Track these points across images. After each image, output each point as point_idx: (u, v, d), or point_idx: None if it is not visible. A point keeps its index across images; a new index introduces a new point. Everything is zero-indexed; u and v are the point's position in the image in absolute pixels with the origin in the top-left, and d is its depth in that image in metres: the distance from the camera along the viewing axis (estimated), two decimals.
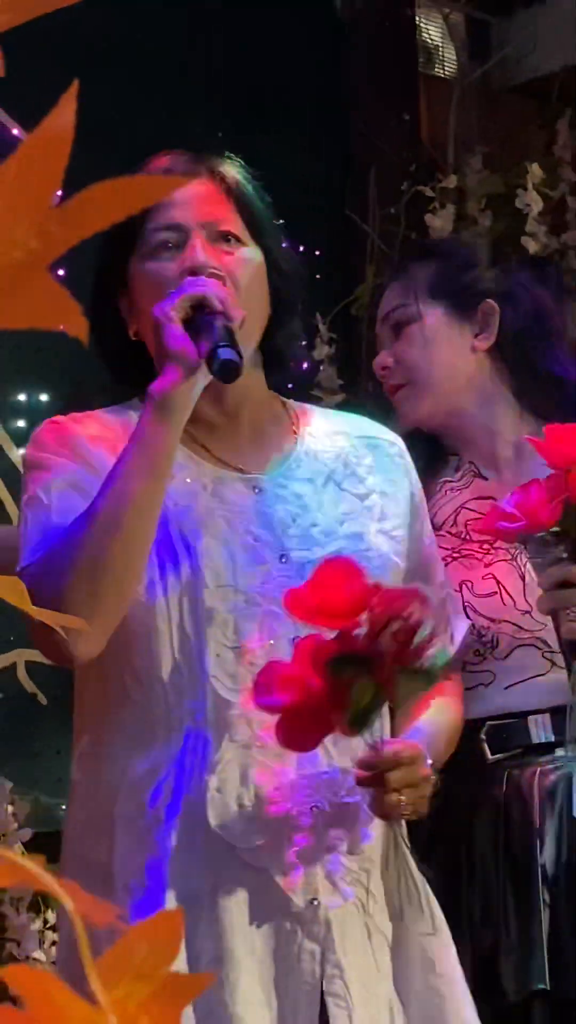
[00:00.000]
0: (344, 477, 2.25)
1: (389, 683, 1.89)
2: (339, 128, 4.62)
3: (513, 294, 2.58)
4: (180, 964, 1.90)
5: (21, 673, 3.80)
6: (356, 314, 4.49)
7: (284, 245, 2.27)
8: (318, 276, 4.49)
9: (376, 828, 2.09)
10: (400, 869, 2.07)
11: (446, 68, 4.90)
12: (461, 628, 2.39)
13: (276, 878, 2.01)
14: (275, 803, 2.03)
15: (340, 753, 2.07)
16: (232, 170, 2.24)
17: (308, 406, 2.42)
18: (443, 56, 4.91)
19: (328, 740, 2.02)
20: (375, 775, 1.97)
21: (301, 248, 4.43)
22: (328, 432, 2.31)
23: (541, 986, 2.28)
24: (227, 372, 1.95)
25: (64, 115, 0.62)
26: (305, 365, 4.36)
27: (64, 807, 3.56)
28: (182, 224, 2.13)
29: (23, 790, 3.49)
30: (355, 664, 1.86)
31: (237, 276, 2.13)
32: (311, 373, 4.35)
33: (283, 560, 2.10)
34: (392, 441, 2.37)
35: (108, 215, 0.59)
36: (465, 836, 2.46)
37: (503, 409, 2.58)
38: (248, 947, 2.00)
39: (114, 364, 2.28)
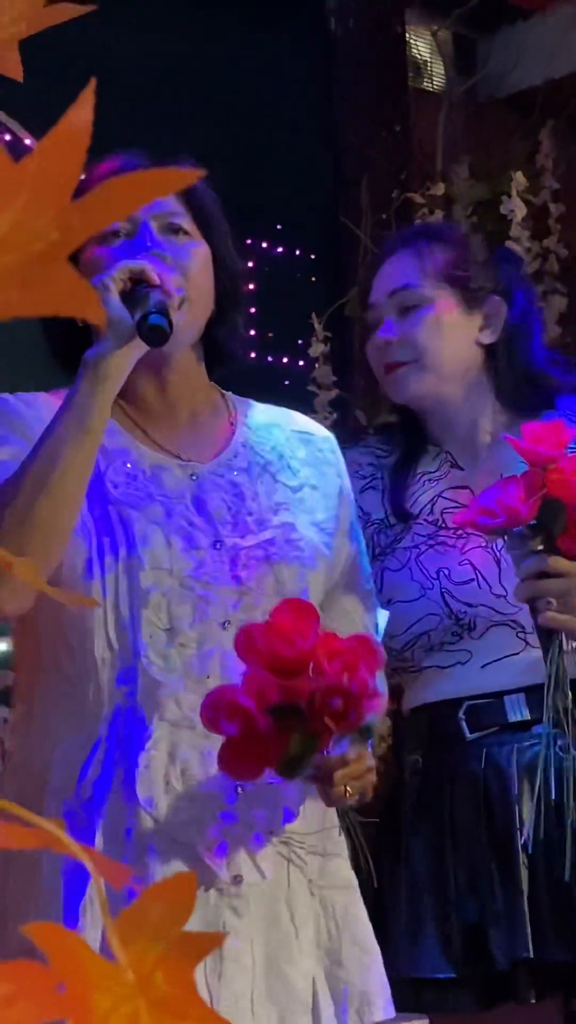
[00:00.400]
0: (279, 469, 2.23)
1: (324, 738, 1.86)
2: (333, 139, 4.62)
3: (508, 291, 2.54)
4: (94, 928, 1.92)
5: None
6: (349, 314, 4.49)
7: (230, 244, 2.24)
8: (313, 279, 4.49)
9: (299, 802, 2.09)
10: (329, 842, 2.14)
11: (434, 82, 4.90)
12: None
13: (202, 854, 1.99)
14: (201, 782, 2.01)
15: None
16: (182, 166, 2.21)
17: (247, 400, 2.37)
18: (431, 71, 4.91)
19: None
20: (324, 775, 1.96)
21: (297, 252, 4.46)
22: (265, 425, 2.29)
23: (525, 954, 2.28)
24: (154, 335, 1.92)
25: (82, 113, 0.61)
26: (301, 362, 4.37)
27: None
28: (134, 215, 2.09)
29: None
30: (294, 716, 1.83)
31: (184, 264, 2.11)
32: (306, 370, 4.36)
33: (217, 546, 2.08)
34: (325, 437, 2.36)
35: (122, 208, 0.59)
36: (448, 811, 2.43)
37: (485, 401, 2.53)
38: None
39: (59, 348, 2.23)
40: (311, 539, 2.18)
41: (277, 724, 1.83)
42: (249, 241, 4.38)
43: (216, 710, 1.86)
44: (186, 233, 2.16)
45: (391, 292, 2.49)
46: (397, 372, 2.47)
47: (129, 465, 2.10)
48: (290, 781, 1.94)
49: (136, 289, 1.96)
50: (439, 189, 4.58)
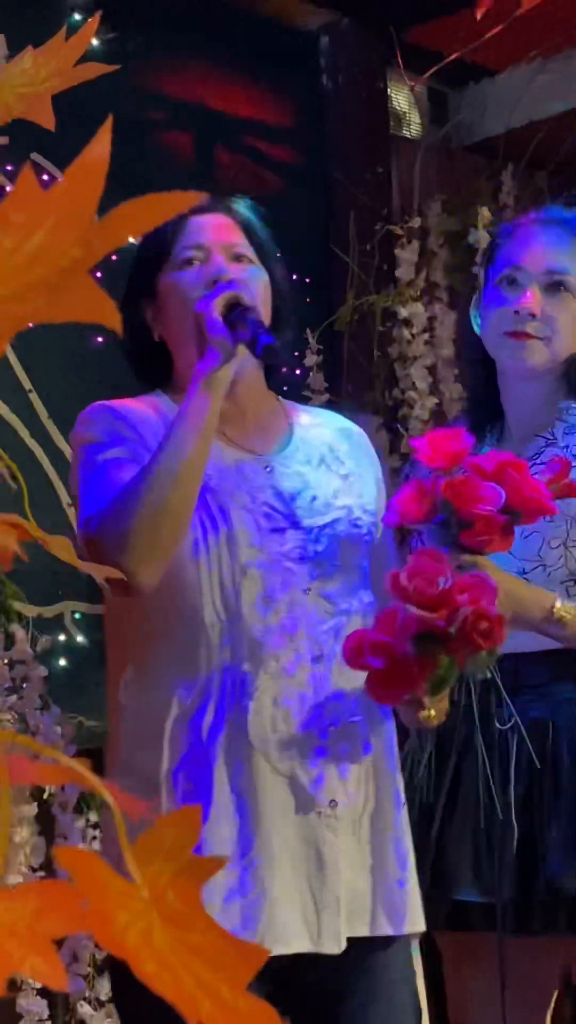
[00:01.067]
0: (331, 461, 2.26)
1: (462, 659, 1.95)
2: (325, 179, 4.62)
3: None
4: (228, 853, 2.00)
5: (68, 620, 3.84)
6: (338, 329, 4.49)
7: (282, 271, 2.29)
8: (308, 300, 4.48)
9: (373, 742, 2.14)
10: (383, 770, 2.17)
11: (412, 131, 4.90)
12: None
13: (304, 783, 2.06)
14: (301, 723, 2.07)
15: (346, 680, 2.10)
16: (243, 207, 2.27)
17: (294, 403, 2.41)
18: (409, 121, 4.90)
19: (335, 670, 2.09)
20: (415, 699, 2.01)
21: (294, 276, 4.45)
22: (312, 424, 2.32)
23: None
24: (270, 353, 2.01)
25: (100, 147, 0.61)
26: (298, 371, 4.38)
27: (94, 724, 3.65)
28: (205, 244, 2.16)
29: (69, 715, 3.51)
30: (437, 642, 1.91)
31: (250, 288, 2.14)
32: (302, 378, 4.36)
33: (296, 527, 2.13)
34: (360, 432, 2.38)
35: (136, 228, 0.59)
36: (498, 748, 2.35)
37: (560, 390, 2.41)
38: (283, 839, 2.04)
39: (139, 363, 2.30)
40: (364, 519, 2.22)
41: (420, 652, 1.92)
42: None
43: (359, 650, 1.95)
44: (249, 261, 2.19)
45: (548, 269, 2.34)
46: (528, 342, 2.32)
47: (217, 461, 2.12)
48: (433, 697, 2.00)
49: (231, 313, 2.01)
50: (416, 222, 4.58)
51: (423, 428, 4.35)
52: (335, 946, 2.03)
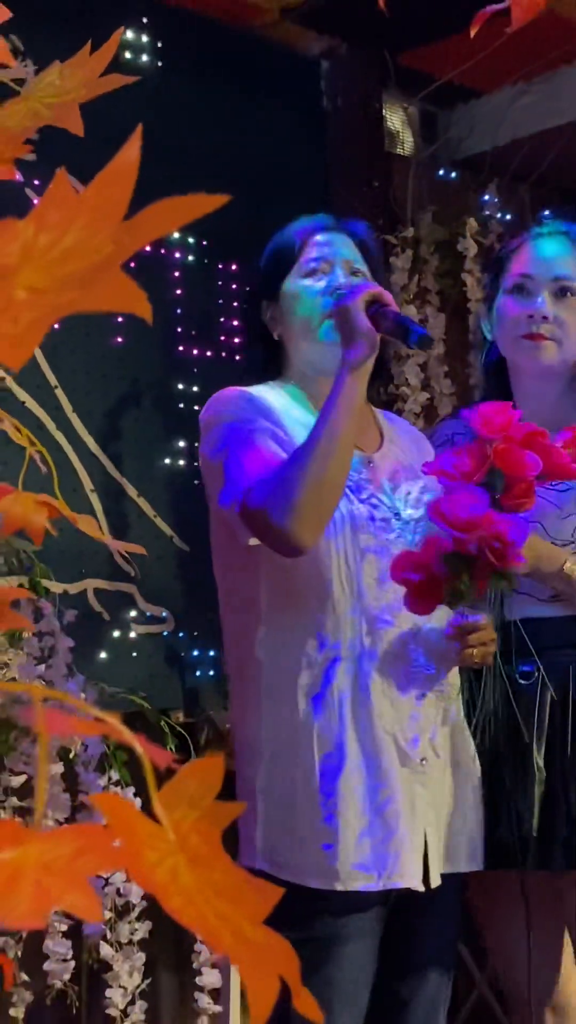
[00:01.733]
0: (412, 459, 2.33)
1: (483, 580, 2.02)
2: (326, 191, 4.61)
3: None
4: (351, 794, 2.11)
5: (90, 596, 3.85)
6: None
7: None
8: None
9: (456, 708, 2.26)
10: (462, 732, 2.29)
11: (405, 148, 4.89)
12: None
13: (402, 743, 2.14)
14: (402, 691, 2.16)
15: (437, 658, 2.18)
16: (361, 229, 2.36)
17: (377, 410, 2.45)
18: (403, 139, 4.89)
19: (424, 651, 2.19)
20: (461, 633, 2.09)
21: None
22: (394, 427, 2.41)
23: None
24: (425, 342, 2.09)
25: (130, 153, 0.61)
26: None
27: (114, 690, 3.64)
28: (329, 258, 2.25)
29: (92, 681, 3.53)
30: (462, 561, 2.00)
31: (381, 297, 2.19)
32: None
33: (398, 517, 2.21)
34: (421, 433, 2.49)
35: (163, 227, 0.59)
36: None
37: (565, 387, 2.43)
38: (395, 787, 2.12)
39: (261, 356, 2.37)
40: None
41: (449, 568, 2.01)
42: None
43: (403, 566, 2.05)
44: (364, 275, 2.27)
45: (555, 277, 2.35)
46: (541, 343, 2.34)
47: None
48: (453, 608, 2.09)
49: (371, 309, 2.08)
50: (409, 232, 4.58)
51: (415, 420, 4.36)
52: (419, 881, 2.13)
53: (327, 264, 2.24)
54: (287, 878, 2.08)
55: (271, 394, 2.27)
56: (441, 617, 2.16)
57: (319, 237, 2.28)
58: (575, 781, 2.24)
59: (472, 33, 1.05)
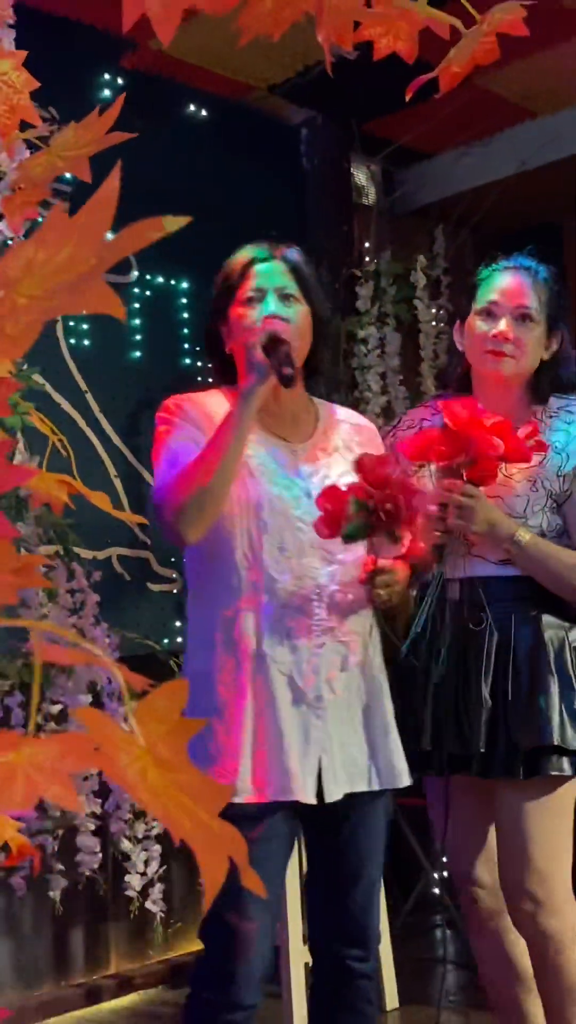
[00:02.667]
0: (343, 449, 2.21)
1: (375, 525, 1.96)
2: (305, 234, 4.59)
3: (564, 327, 2.39)
4: (250, 728, 2.04)
5: (114, 561, 3.85)
6: None
7: (321, 299, 2.24)
8: None
9: (356, 655, 2.13)
10: (371, 676, 2.15)
11: (369, 199, 4.88)
12: None
13: (298, 683, 2.06)
14: (303, 639, 2.07)
15: (337, 616, 2.11)
16: (292, 254, 2.21)
17: (326, 402, 2.34)
18: (367, 192, 4.88)
19: (325, 606, 2.10)
20: (369, 576, 2.03)
21: None
22: (336, 419, 2.27)
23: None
24: (287, 381, 2.00)
25: (111, 185, 0.60)
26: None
27: (133, 636, 3.65)
28: (264, 287, 2.14)
29: (115, 628, 3.53)
30: (365, 508, 1.94)
31: (295, 322, 2.13)
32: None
33: (308, 497, 2.10)
34: (371, 427, 2.35)
35: (135, 244, 0.58)
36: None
37: (521, 389, 2.36)
38: (287, 719, 2.04)
39: (216, 367, 2.29)
40: None
41: (350, 509, 1.95)
42: None
43: (325, 496, 1.99)
44: (296, 299, 2.15)
45: (517, 305, 2.31)
46: (501, 359, 2.30)
47: (256, 442, 2.12)
48: (344, 543, 2.02)
49: (271, 344, 2.02)
50: (371, 267, 4.57)
51: (375, 419, 4.36)
52: (311, 797, 2.03)
53: (261, 293, 2.14)
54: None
55: (215, 399, 2.20)
56: (344, 579, 2.11)
57: (256, 268, 2.17)
58: (512, 710, 2.22)
59: (407, 97, 1.03)
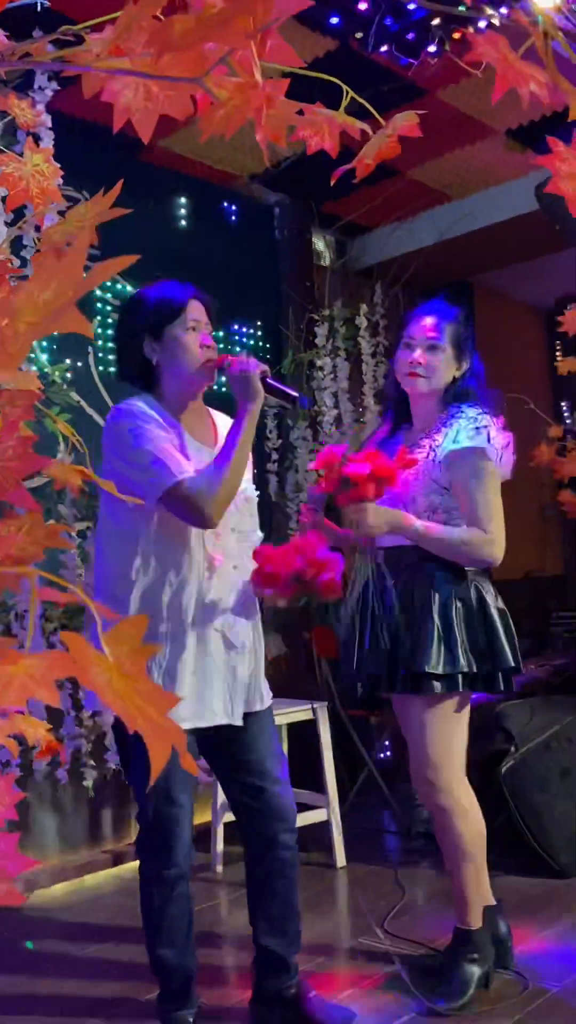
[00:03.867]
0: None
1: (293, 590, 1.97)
2: (277, 289, 4.58)
3: (470, 351, 2.36)
4: (184, 670, 1.96)
5: None
6: (284, 372, 4.46)
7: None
8: (268, 356, 4.46)
9: (255, 609, 2.11)
10: (256, 624, 2.13)
11: (325, 261, 4.86)
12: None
13: (228, 636, 2.04)
14: (227, 603, 2.03)
15: (247, 583, 2.06)
16: (206, 297, 2.10)
17: (211, 409, 2.18)
18: (324, 256, 4.86)
19: (243, 575, 2.04)
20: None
21: (261, 344, 4.46)
22: (223, 424, 2.15)
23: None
24: (294, 402, 2.01)
25: (83, 241, 0.60)
26: None
27: None
28: (200, 319, 2.04)
29: None
30: (299, 581, 1.95)
31: (214, 351, 2.05)
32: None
33: None
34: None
35: (102, 279, 0.58)
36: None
37: (439, 403, 2.32)
38: (211, 664, 2.01)
39: (133, 377, 2.09)
40: (251, 485, 2.15)
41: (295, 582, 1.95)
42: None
43: (260, 576, 1.97)
44: (209, 327, 2.07)
45: (427, 337, 2.29)
46: (417, 379, 2.28)
47: (191, 448, 2.02)
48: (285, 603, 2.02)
49: (263, 377, 1.99)
50: (326, 312, 4.55)
51: (330, 428, 4.35)
52: (240, 720, 2.04)
53: (199, 323, 2.03)
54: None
55: (146, 403, 2.04)
56: (249, 554, 2.05)
57: (194, 303, 2.04)
58: (404, 645, 2.20)
59: (332, 183, 1.04)
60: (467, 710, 2.25)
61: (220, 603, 2.03)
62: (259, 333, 4.46)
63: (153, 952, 2.08)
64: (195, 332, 2.04)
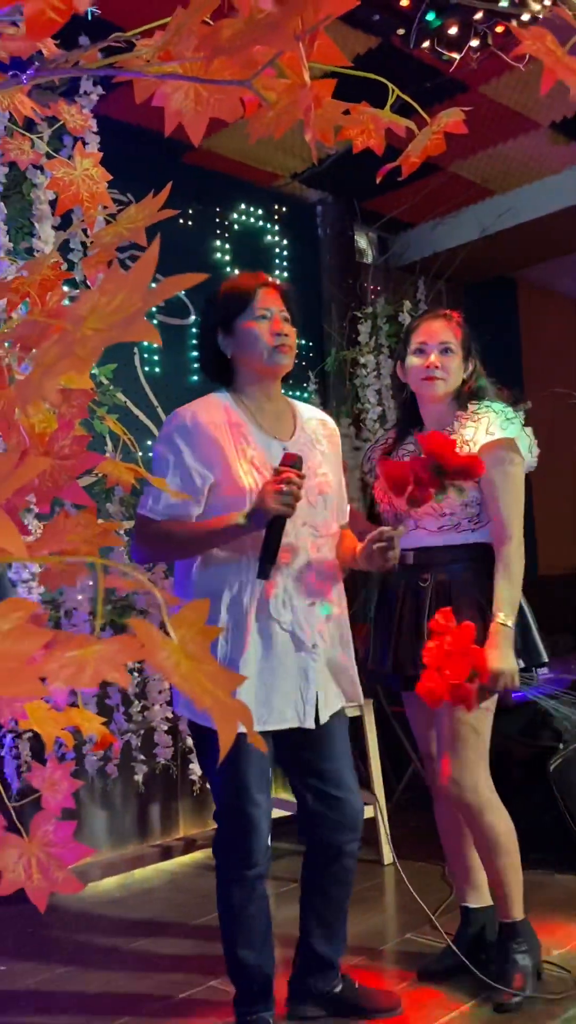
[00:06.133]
0: (317, 442, 2.09)
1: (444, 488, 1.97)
2: (320, 286, 4.59)
3: (477, 354, 2.37)
4: (247, 669, 1.91)
5: None
6: (327, 370, 4.47)
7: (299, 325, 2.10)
8: (311, 354, 4.47)
9: (335, 609, 2.05)
10: (342, 624, 2.09)
11: (368, 258, 4.85)
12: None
13: (298, 635, 1.98)
14: (300, 600, 1.98)
15: (323, 580, 2.02)
16: (285, 286, 2.08)
17: (297, 401, 2.18)
18: (366, 253, 4.86)
19: (317, 573, 2.00)
20: (389, 543, 1.98)
21: (302, 341, 4.46)
22: (307, 417, 2.13)
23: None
24: (264, 573, 1.91)
25: (152, 253, 0.62)
26: (305, 395, 4.37)
27: None
28: (272, 308, 2.01)
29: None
30: (439, 472, 1.94)
31: (292, 337, 2.03)
32: (306, 398, 4.34)
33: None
34: (328, 418, 2.20)
35: (169, 293, 0.60)
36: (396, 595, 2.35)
37: (450, 405, 2.32)
38: (277, 664, 1.96)
39: (215, 370, 2.09)
40: (334, 480, 2.10)
41: (436, 474, 1.92)
42: None
43: (389, 469, 1.98)
44: (290, 321, 2.04)
45: (440, 342, 2.30)
46: (435, 382, 2.29)
47: (256, 440, 1.99)
48: (414, 508, 2.00)
49: (273, 523, 1.88)
50: (369, 309, 4.55)
51: (373, 425, 4.35)
52: (312, 723, 2.00)
53: (270, 311, 2.01)
54: (200, 722, 1.99)
55: (215, 404, 2.01)
56: (326, 551, 2.02)
57: (264, 291, 2.02)
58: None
59: (378, 180, 1.05)
60: (494, 706, 2.25)
61: (287, 601, 1.97)
62: (304, 333, 4.48)
63: (232, 953, 2.04)
64: (266, 320, 2.01)
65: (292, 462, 1.90)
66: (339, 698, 2.06)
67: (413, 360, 2.34)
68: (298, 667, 1.97)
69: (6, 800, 1.00)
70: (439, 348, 2.31)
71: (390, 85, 0.96)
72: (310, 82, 0.80)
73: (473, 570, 2.24)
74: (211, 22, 0.82)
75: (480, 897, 2.39)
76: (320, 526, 2.03)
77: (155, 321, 3.86)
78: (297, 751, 2.05)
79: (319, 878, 2.12)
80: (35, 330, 0.80)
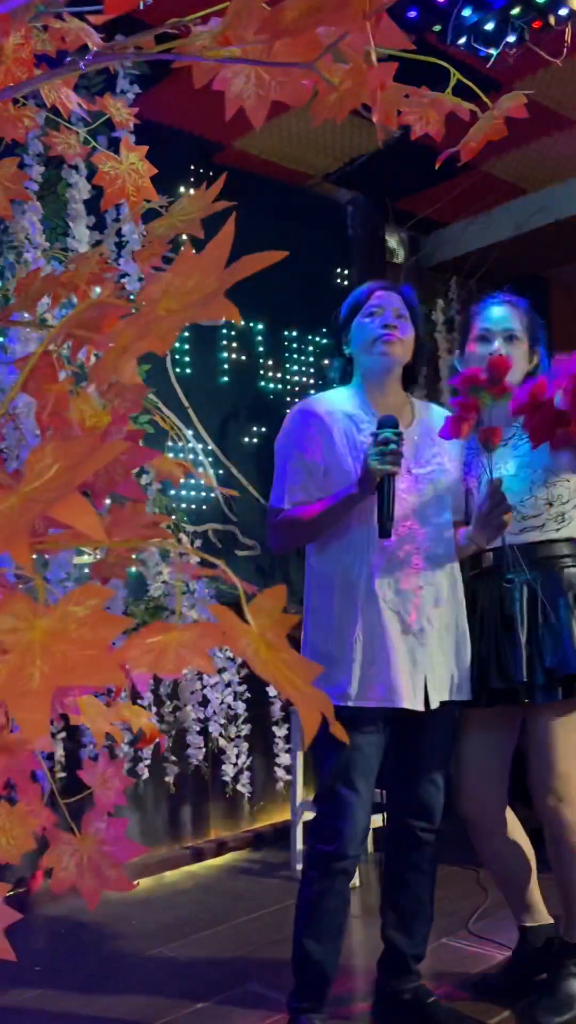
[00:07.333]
0: (431, 432, 2.12)
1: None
2: (349, 286, 4.57)
3: (541, 344, 2.30)
4: (359, 650, 1.97)
5: (210, 533, 3.87)
6: None
7: (420, 325, 2.18)
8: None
9: (446, 595, 2.06)
10: (456, 612, 2.09)
11: (399, 258, 4.84)
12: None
13: (405, 618, 1.99)
14: (406, 583, 2.00)
15: (433, 564, 2.03)
16: (406, 290, 2.16)
17: (414, 398, 2.20)
18: (397, 253, 4.84)
19: (426, 559, 2.01)
20: (498, 500, 2.02)
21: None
22: (424, 411, 2.16)
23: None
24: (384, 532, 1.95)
25: (228, 231, 0.61)
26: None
27: (224, 587, 3.66)
28: (383, 305, 2.10)
29: (211, 583, 3.53)
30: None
31: (407, 335, 2.10)
32: None
33: (409, 472, 2.04)
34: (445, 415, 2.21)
35: (246, 272, 0.59)
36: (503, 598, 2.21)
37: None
38: (393, 647, 1.98)
39: (339, 368, 2.18)
40: (449, 469, 2.12)
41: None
42: (311, 336, 4.33)
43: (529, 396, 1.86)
44: (405, 318, 2.11)
45: (504, 329, 2.23)
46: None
47: (370, 429, 2.04)
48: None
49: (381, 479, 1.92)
50: None
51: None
52: (420, 706, 1.99)
53: (381, 309, 2.08)
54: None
55: (335, 396, 2.10)
56: (435, 536, 2.02)
57: (379, 292, 2.11)
58: (545, 647, 2.06)
59: (437, 166, 1.03)
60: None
61: (392, 584, 1.99)
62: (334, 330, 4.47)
63: (299, 941, 2.03)
64: (376, 316, 2.09)
65: (387, 422, 1.96)
66: (449, 687, 2.05)
67: (476, 348, 2.26)
68: (406, 649, 1.99)
69: (58, 797, 0.99)
70: (504, 335, 2.23)
71: (451, 68, 0.94)
72: (377, 64, 0.79)
73: (560, 568, 2.15)
74: (267, 7, 0.81)
75: (537, 915, 2.29)
76: (431, 516, 2.05)
77: None
78: (402, 733, 2.07)
79: (396, 864, 2.14)
80: (98, 316, 0.79)
